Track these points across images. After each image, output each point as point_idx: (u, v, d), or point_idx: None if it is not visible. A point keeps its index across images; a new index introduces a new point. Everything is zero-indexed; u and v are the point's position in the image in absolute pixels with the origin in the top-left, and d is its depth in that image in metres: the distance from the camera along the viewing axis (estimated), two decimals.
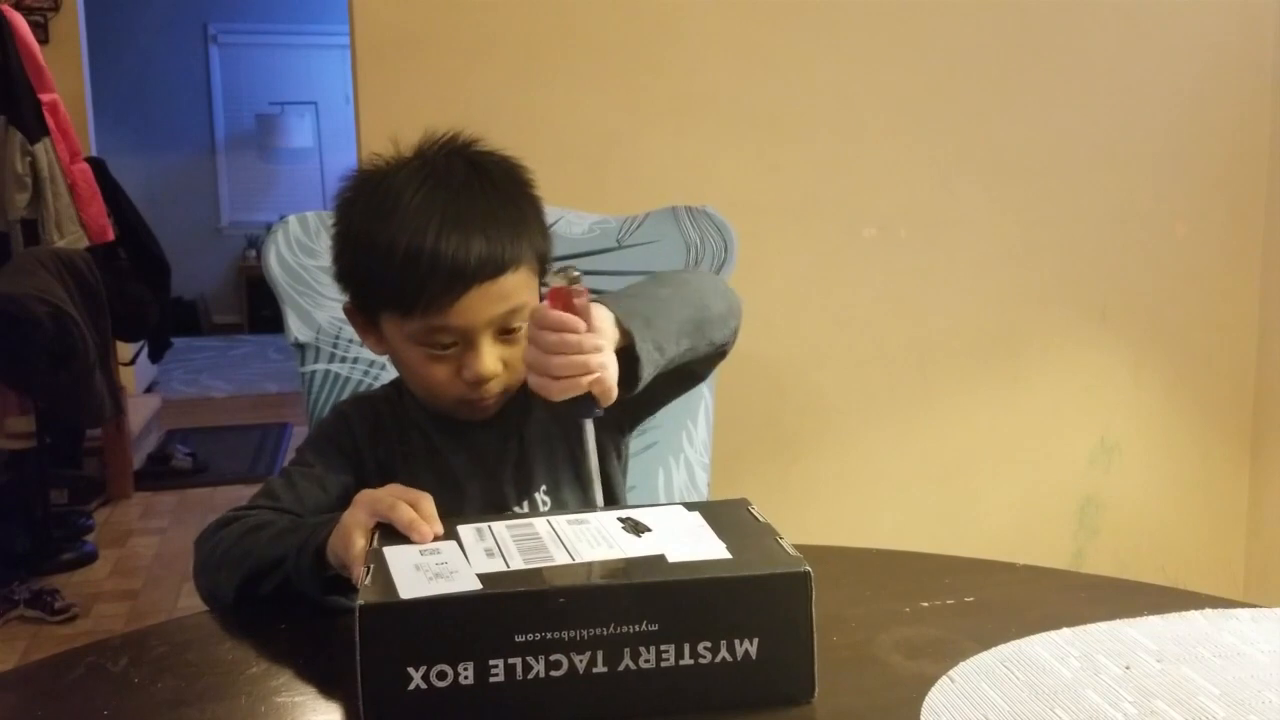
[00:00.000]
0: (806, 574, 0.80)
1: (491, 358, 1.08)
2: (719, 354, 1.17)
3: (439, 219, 1.05)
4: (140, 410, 4.70)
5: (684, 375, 1.14)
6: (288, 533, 1.02)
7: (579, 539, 0.85)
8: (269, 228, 1.52)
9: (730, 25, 2.12)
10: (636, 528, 0.87)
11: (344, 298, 1.17)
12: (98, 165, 3.87)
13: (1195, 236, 2.36)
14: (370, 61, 1.99)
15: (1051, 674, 0.85)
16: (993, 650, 0.89)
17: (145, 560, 3.59)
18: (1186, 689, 0.82)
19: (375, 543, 0.86)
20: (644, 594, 0.78)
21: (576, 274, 0.98)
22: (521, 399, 1.18)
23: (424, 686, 0.75)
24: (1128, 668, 0.86)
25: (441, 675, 0.76)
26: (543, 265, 1.14)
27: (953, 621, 0.96)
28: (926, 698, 0.82)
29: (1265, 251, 2.38)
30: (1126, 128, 2.29)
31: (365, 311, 1.14)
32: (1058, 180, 2.28)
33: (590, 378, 0.95)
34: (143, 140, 7.35)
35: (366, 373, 1.45)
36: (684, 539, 0.85)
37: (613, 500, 1.19)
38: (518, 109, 2.03)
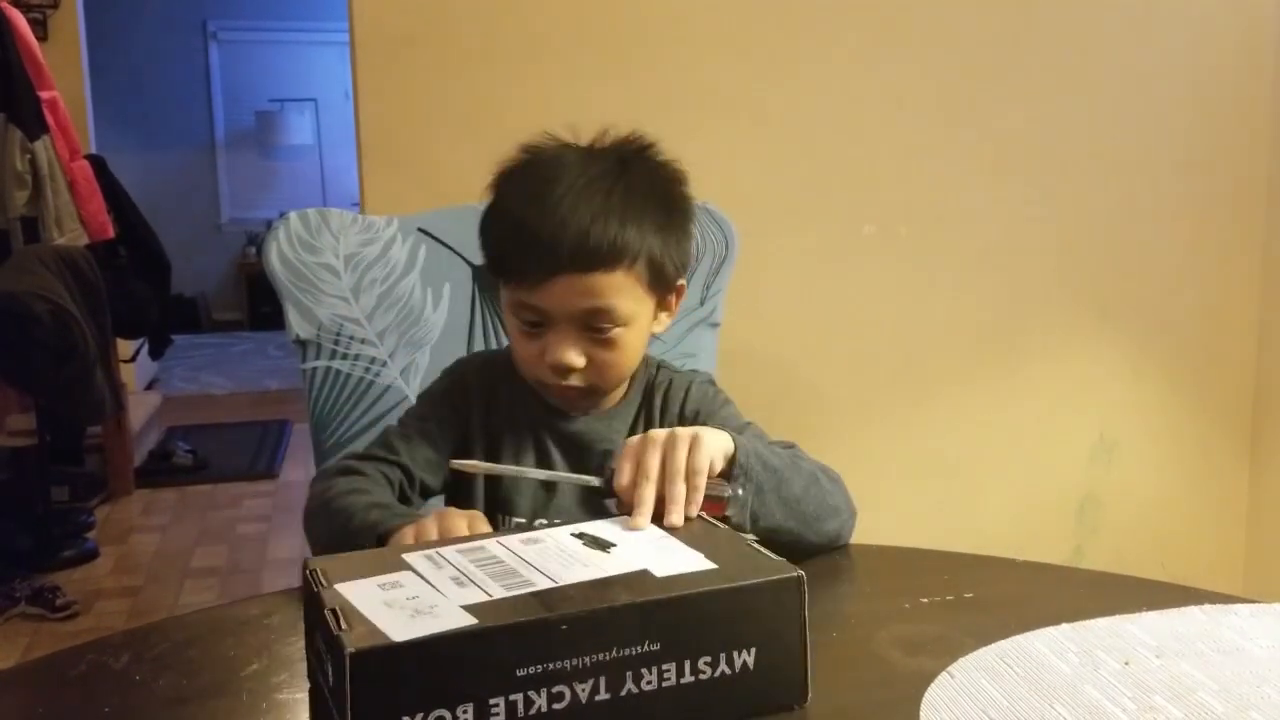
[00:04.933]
0: (800, 578, 0.79)
1: (571, 349, 1.08)
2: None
3: (554, 199, 1.05)
4: (141, 407, 4.71)
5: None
6: (373, 508, 1.02)
7: (547, 559, 0.81)
8: (269, 224, 1.52)
9: (730, 24, 2.11)
10: (598, 543, 0.84)
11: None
12: (97, 162, 3.87)
13: (1195, 235, 2.36)
14: (369, 58, 1.99)
15: (1051, 670, 0.85)
16: (992, 646, 0.89)
17: (146, 557, 3.60)
18: (1185, 684, 0.83)
19: (324, 581, 0.78)
20: (647, 613, 0.75)
21: (727, 497, 0.98)
22: (646, 423, 1.18)
23: None
24: (1127, 663, 0.86)
25: None
26: (661, 277, 1.11)
27: (952, 618, 0.96)
28: (926, 694, 0.82)
29: (1265, 250, 2.38)
30: (1126, 126, 2.29)
31: (492, 275, 1.15)
32: (1058, 178, 2.28)
33: (645, 508, 0.90)
34: (142, 137, 7.35)
35: (368, 369, 1.45)
36: (656, 552, 0.83)
37: None
38: (517, 106, 2.03)
